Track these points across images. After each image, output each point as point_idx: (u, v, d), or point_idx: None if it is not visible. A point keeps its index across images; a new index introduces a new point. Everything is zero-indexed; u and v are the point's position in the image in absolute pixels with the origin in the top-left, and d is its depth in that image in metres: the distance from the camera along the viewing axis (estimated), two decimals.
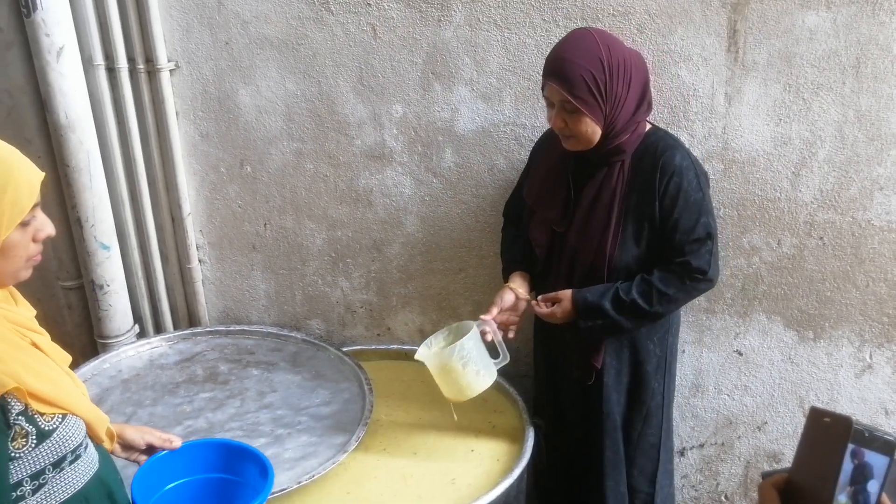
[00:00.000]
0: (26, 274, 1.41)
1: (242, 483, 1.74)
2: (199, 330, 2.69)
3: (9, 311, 1.38)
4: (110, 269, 2.59)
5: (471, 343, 2.05)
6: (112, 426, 1.57)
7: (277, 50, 2.44)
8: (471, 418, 2.32)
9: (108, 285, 2.59)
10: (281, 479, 1.95)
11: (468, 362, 2.05)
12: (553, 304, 2.10)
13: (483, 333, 2.10)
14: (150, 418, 2.21)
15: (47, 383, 1.34)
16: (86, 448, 1.43)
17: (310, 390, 2.35)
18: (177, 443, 1.70)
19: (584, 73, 1.89)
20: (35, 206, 1.35)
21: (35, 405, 1.31)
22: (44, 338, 1.45)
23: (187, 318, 2.81)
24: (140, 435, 1.68)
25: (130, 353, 2.54)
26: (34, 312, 1.49)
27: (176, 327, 2.80)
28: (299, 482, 1.94)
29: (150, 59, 2.47)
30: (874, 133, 2.26)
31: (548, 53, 1.99)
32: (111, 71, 2.48)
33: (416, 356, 2.12)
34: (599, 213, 2.04)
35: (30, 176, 1.34)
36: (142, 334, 2.76)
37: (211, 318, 2.82)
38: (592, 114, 1.92)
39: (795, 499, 1.03)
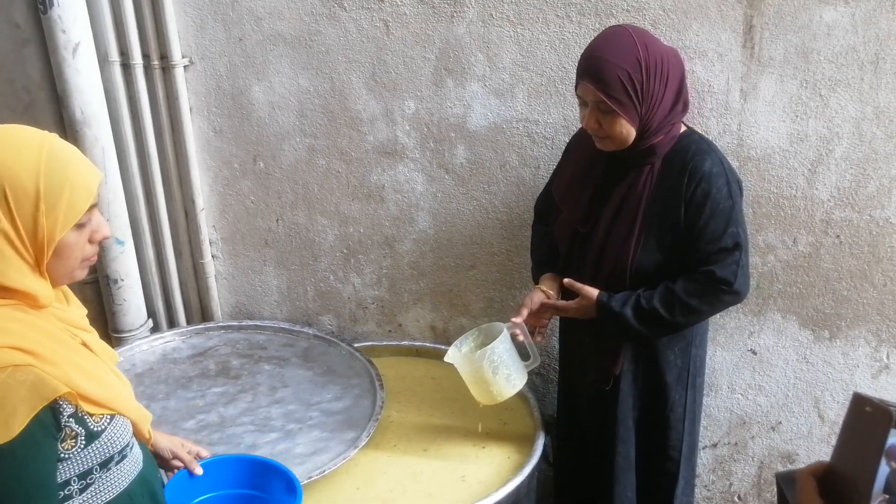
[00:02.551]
0: (81, 274, 1.40)
1: (269, 500, 1.76)
2: (211, 325, 2.71)
3: (61, 311, 1.38)
4: (125, 264, 2.61)
5: (501, 347, 2.03)
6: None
7: (290, 46, 2.45)
8: (482, 416, 2.31)
9: (123, 280, 2.61)
10: None
11: (499, 367, 2.04)
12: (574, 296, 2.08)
13: (513, 335, 2.08)
14: (163, 412, 2.23)
15: (97, 385, 1.34)
16: (131, 448, 1.44)
17: (321, 386, 2.36)
18: (198, 471, 1.71)
19: (621, 72, 1.83)
20: (92, 207, 1.34)
21: (85, 406, 1.31)
22: (93, 336, 1.45)
23: (200, 312, 2.82)
24: (169, 447, 1.69)
25: (144, 347, 2.56)
26: (85, 311, 1.48)
27: (189, 322, 2.81)
28: (310, 477, 1.95)
29: (164, 56, 2.49)
30: (893, 130, 2.23)
31: (583, 51, 1.94)
32: (126, 67, 2.49)
33: (446, 358, 2.10)
34: (624, 215, 2.00)
35: (87, 177, 1.33)
36: (155, 329, 2.77)
37: (223, 313, 2.83)
38: (627, 115, 1.87)
39: (835, 486, 1.02)
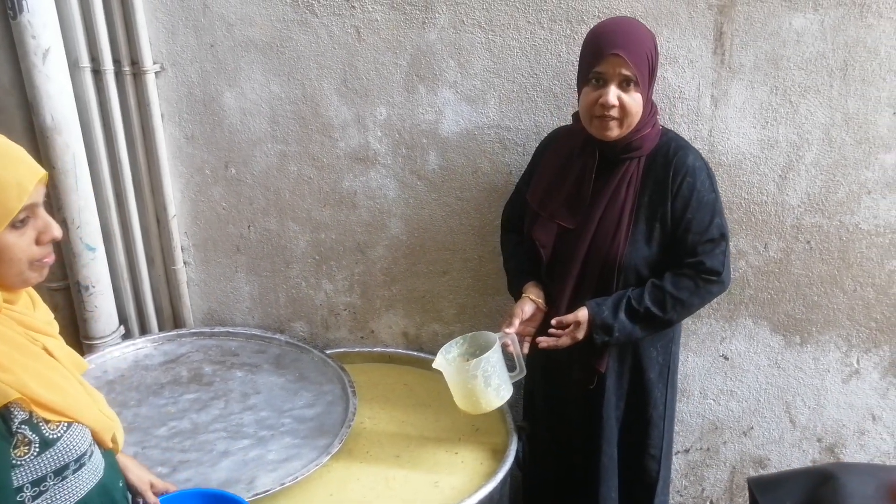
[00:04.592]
0: (35, 276, 1.35)
1: None
2: (183, 331, 2.70)
3: (23, 315, 1.36)
4: (96, 271, 2.59)
5: (496, 357, 2.01)
6: (121, 454, 1.57)
7: (262, 52, 2.44)
8: (454, 421, 2.31)
9: (94, 287, 2.59)
10: (264, 481, 1.97)
11: (491, 377, 2.02)
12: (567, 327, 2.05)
13: (504, 346, 2.06)
14: (135, 419, 2.22)
15: (55, 392, 1.32)
16: (90, 456, 1.41)
17: (293, 392, 2.36)
18: None
19: (647, 49, 1.93)
20: (31, 206, 1.30)
21: (41, 413, 1.29)
22: (57, 342, 1.42)
23: (172, 319, 2.81)
24: (137, 484, 1.68)
25: (115, 354, 2.54)
26: (52, 316, 1.46)
27: (161, 329, 2.80)
28: (282, 484, 1.95)
29: (135, 62, 2.47)
30: (862, 136, 2.25)
31: (596, 33, 1.98)
32: (97, 73, 2.48)
33: (435, 365, 2.07)
34: (611, 211, 2.02)
35: (19, 175, 1.28)
36: (127, 335, 2.76)
37: (195, 320, 2.82)
38: (644, 92, 1.93)
39: None
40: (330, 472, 2.11)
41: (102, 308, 2.64)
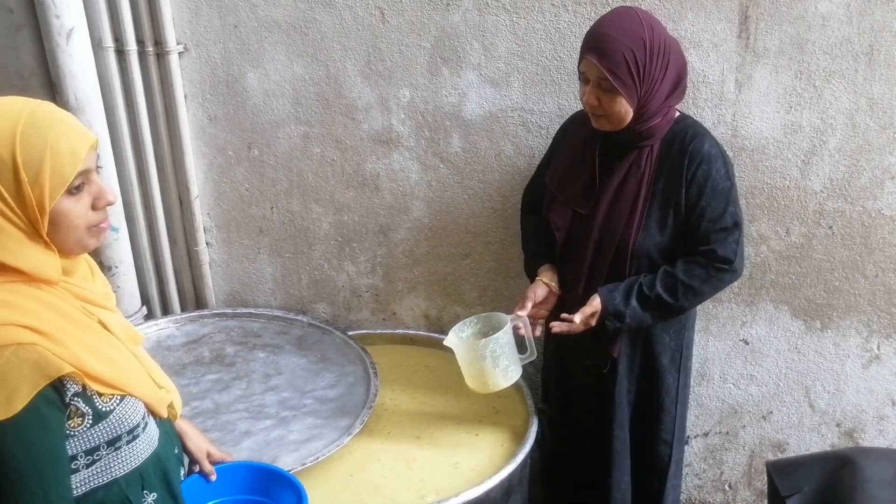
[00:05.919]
0: (93, 242, 1.36)
1: None
2: (205, 312, 2.71)
3: (80, 288, 1.36)
4: (119, 251, 2.60)
5: (505, 338, 2.03)
6: (181, 420, 1.60)
7: (286, 33, 2.44)
8: (474, 403, 2.32)
9: (117, 267, 2.61)
10: (286, 461, 1.98)
11: (500, 358, 2.04)
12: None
13: (514, 328, 2.07)
14: None
15: (108, 365, 1.33)
16: (144, 428, 1.42)
17: (315, 373, 2.37)
18: (213, 477, 1.71)
19: (626, 51, 1.86)
20: (85, 172, 1.30)
21: (93, 386, 1.30)
22: (114, 316, 1.43)
23: (194, 300, 2.83)
24: (195, 452, 1.70)
25: None
26: (109, 288, 1.46)
27: (183, 309, 2.82)
28: (303, 464, 1.96)
29: (159, 42, 2.48)
30: (886, 121, 2.24)
31: (589, 30, 1.97)
32: (120, 53, 2.49)
33: (446, 342, 2.10)
34: (625, 197, 2.02)
35: (72, 142, 1.28)
36: (149, 316, 2.77)
37: (218, 301, 2.83)
38: (627, 94, 1.89)
39: None
40: (351, 453, 2.12)
41: (125, 288, 2.65)
